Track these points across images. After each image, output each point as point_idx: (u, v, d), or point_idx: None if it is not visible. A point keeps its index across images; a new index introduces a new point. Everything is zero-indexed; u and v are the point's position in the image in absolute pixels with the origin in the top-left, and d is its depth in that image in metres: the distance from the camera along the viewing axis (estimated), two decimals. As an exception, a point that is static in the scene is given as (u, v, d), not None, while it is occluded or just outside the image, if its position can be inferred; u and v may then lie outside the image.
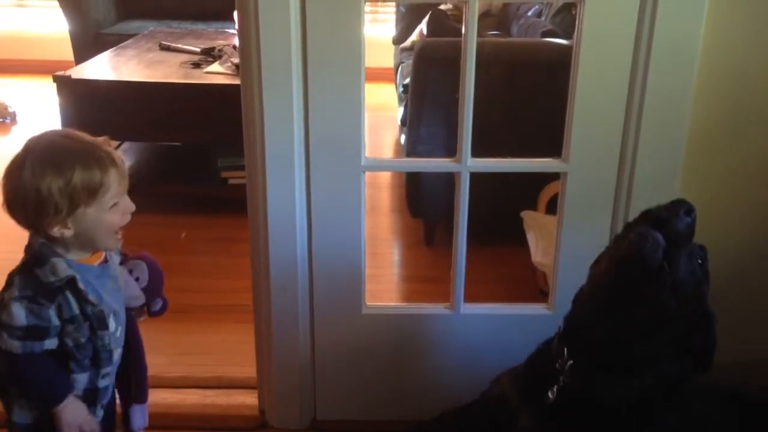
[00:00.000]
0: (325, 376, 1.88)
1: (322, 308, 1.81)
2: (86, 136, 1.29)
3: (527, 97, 2.52)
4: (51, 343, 1.28)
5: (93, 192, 1.23)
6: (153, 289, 1.45)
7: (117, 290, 1.37)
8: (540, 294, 2.42)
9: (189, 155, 3.54)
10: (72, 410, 1.32)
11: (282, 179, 1.68)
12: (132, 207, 1.33)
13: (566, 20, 3.12)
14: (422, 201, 2.79)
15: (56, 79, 3.03)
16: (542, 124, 2.45)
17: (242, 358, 2.12)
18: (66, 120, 3.05)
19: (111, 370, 1.39)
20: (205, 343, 2.30)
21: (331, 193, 1.71)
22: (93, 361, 1.34)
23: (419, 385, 1.86)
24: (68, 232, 1.25)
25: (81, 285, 1.27)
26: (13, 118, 4.43)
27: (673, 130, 1.66)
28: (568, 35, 2.93)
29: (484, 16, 4.08)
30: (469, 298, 1.85)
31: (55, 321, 1.26)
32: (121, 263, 1.43)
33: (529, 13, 3.69)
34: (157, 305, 1.47)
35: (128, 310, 1.44)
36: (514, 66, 2.47)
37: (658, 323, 1.29)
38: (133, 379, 1.49)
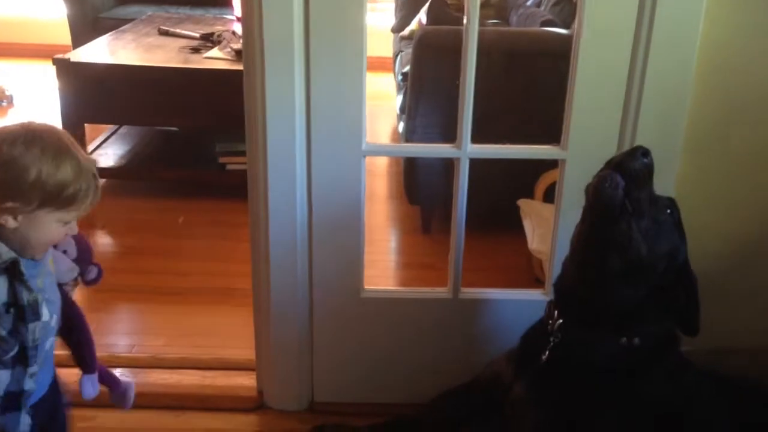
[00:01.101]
0: (324, 358, 1.90)
1: (321, 291, 1.83)
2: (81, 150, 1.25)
3: (526, 85, 2.54)
4: None
5: (71, 202, 1.19)
6: (83, 258, 1.42)
7: (50, 274, 1.31)
8: (536, 282, 2.45)
9: (187, 140, 3.55)
10: None
11: (283, 163, 1.69)
12: (75, 231, 1.28)
13: (565, 10, 3.14)
14: (420, 188, 2.81)
15: (56, 62, 3.02)
16: (540, 112, 2.48)
17: (240, 341, 2.14)
18: (65, 103, 3.05)
19: (39, 370, 1.28)
20: (204, 325, 2.32)
21: (331, 177, 1.72)
22: (19, 359, 1.24)
23: (417, 369, 1.89)
24: (12, 224, 1.18)
25: (23, 268, 1.19)
26: (10, 101, 4.43)
27: (671, 119, 1.68)
28: (566, 25, 2.95)
29: (483, 5, 4.06)
30: (466, 286, 1.87)
31: None
32: None
33: (529, 3, 3.70)
34: (92, 273, 1.44)
35: (62, 288, 1.39)
36: (513, 55, 2.49)
37: (633, 270, 1.35)
38: (84, 354, 1.47)
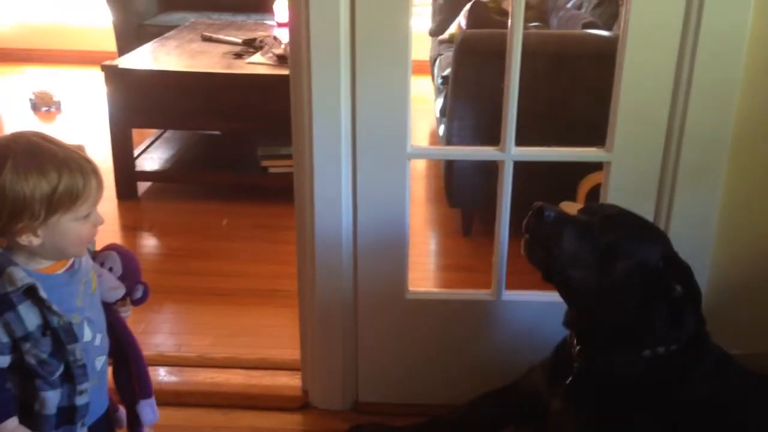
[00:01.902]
0: (368, 359, 1.92)
1: (365, 293, 1.85)
2: (62, 141, 1.21)
3: (569, 88, 2.53)
4: None
5: (73, 200, 1.17)
6: (129, 276, 1.39)
7: (91, 294, 1.29)
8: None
9: (230, 144, 3.61)
10: None
11: (329, 166, 1.72)
12: (101, 221, 1.25)
13: (607, 12, 3.12)
14: (461, 191, 2.82)
15: (104, 68, 3.10)
16: (582, 114, 2.47)
17: (284, 341, 2.18)
18: (113, 108, 3.13)
19: (89, 386, 1.28)
20: (249, 326, 2.36)
21: (376, 180, 1.75)
22: (66, 377, 1.24)
23: (460, 370, 1.90)
24: (36, 241, 1.17)
25: (42, 294, 1.18)
26: (58, 107, 4.54)
27: (719, 120, 1.67)
28: (608, 27, 2.94)
29: (525, 7, 4.08)
30: (508, 288, 1.87)
31: (4, 337, 1.18)
32: (92, 260, 1.36)
33: (569, 5, 3.69)
34: (138, 292, 1.41)
35: (111, 308, 1.38)
36: (557, 57, 2.48)
37: (597, 293, 1.41)
38: (134, 376, 1.43)
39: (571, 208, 2.48)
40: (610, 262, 1.39)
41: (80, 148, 1.23)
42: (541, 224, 1.41)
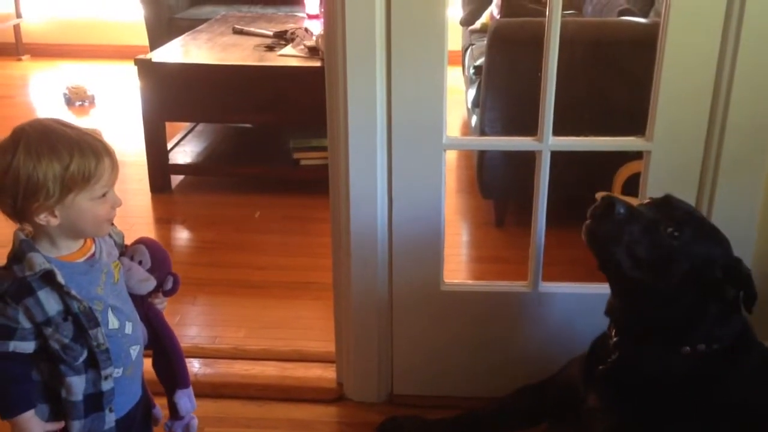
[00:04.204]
0: (403, 351, 1.91)
1: (401, 284, 1.84)
2: (77, 125, 1.24)
3: (607, 76, 2.49)
4: (22, 346, 1.22)
5: (86, 179, 1.19)
6: (159, 268, 1.40)
7: (114, 284, 1.31)
8: (614, 276, 2.40)
9: (261, 137, 3.62)
10: (20, 430, 1.25)
11: (364, 157, 1.71)
12: (119, 202, 1.27)
13: (642, -1, 3.06)
14: (493, 182, 2.79)
15: (137, 62, 3.12)
16: (620, 103, 2.44)
17: (319, 333, 2.18)
18: (146, 101, 3.15)
19: (114, 371, 1.29)
20: (282, 318, 2.36)
21: (411, 171, 1.73)
22: (91, 363, 1.26)
23: (496, 363, 1.88)
24: (54, 221, 1.20)
25: (60, 279, 1.20)
26: (91, 101, 4.59)
27: (762, 109, 1.63)
28: (644, 13, 2.89)
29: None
30: (544, 279, 1.85)
31: (25, 323, 1.21)
32: (122, 254, 1.38)
33: (602, -7, 3.63)
34: (168, 283, 1.42)
35: (146, 301, 1.40)
36: (594, 45, 2.44)
37: (654, 289, 1.39)
38: (172, 366, 1.46)
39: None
40: (675, 262, 1.37)
41: (96, 132, 1.25)
42: (611, 218, 1.38)
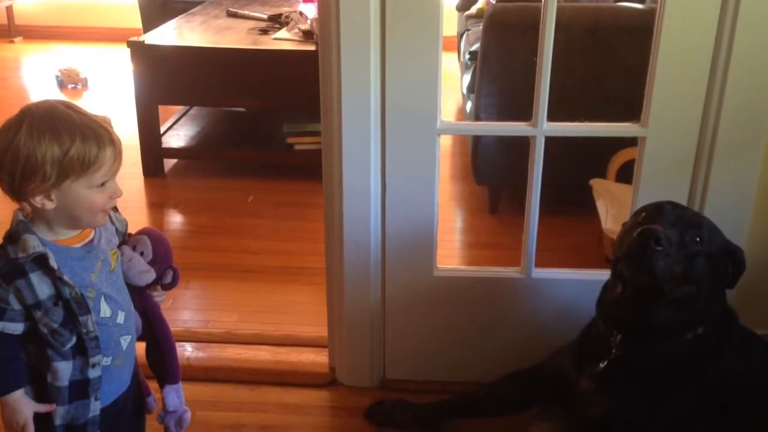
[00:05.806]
0: (395, 336, 1.91)
1: (393, 269, 1.84)
2: (88, 111, 1.22)
3: (601, 62, 2.48)
4: (10, 327, 1.21)
5: (85, 166, 1.17)
6: (160, 261, 1.38)
7: (110, 272, 1.29)
8: (607, 261, 2.41)
9: (255, 121, 3.61)
10: (10, 409, 1.24)
11: (358, 142, 1.70)
12: (119, 193, 1.25)
13: (639, -15, 3.04)
14: (488, 168, 2.79)
15: (130, 44, 3.09)
16: (614, 89, 2.43)
17: (312, 318, 2.18)
18: (138, 84, 3.13)
19: (103, 359, 1.28)
20: (275, 302, 2.36)
21: (405, 155, 1.72)
22: (79, 350, 1.25)
23: (488, 348, 1.88)
24: (50, 205, 1.18)
25: (53, 263, 1.19)
26: (84, 83, 4.57)
27: (758, 95, 1.62)
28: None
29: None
30: (537, 265, 1.85)
31: (15, 305, 1.20)
32: (124, 243, 1.37)
33: (599, -21, 3.60)
34: (168, 277, 1.41)
35: (144, 293, 1.40)
36: (589, 30, 2.43)
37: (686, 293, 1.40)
38: (163, 360, 1.46)
39: (601, 186, 2.46)
40: (705, 264, 1.41)
41: (106, 120, 1.23)
42: (657, 253, 1.35)
